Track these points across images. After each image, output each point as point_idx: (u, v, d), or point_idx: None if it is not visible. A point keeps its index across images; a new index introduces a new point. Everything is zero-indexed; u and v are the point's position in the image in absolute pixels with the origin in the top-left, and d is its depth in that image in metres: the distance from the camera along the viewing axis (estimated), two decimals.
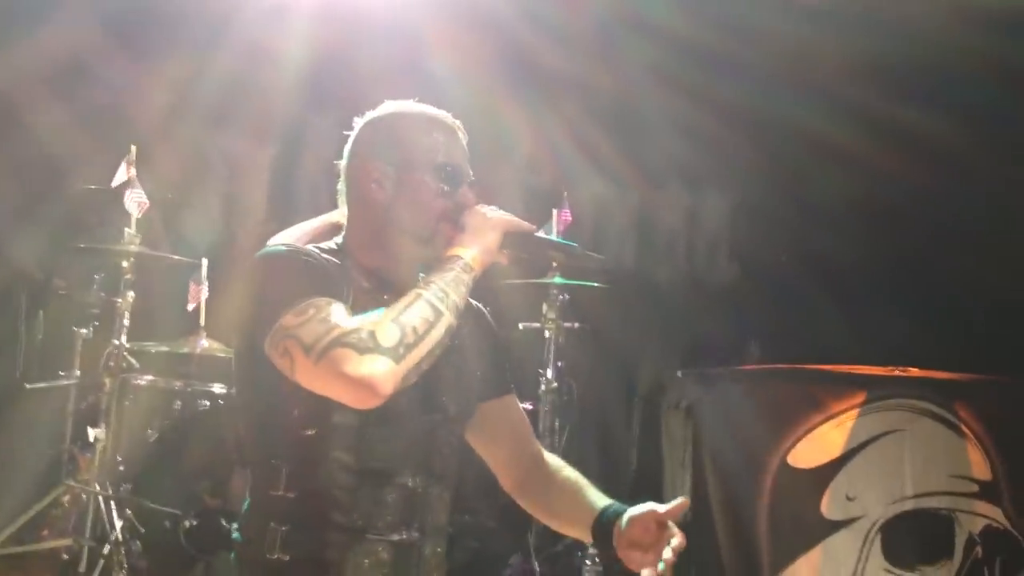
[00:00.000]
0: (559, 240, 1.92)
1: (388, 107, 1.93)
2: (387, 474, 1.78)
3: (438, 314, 1.67)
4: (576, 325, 4.71)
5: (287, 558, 1.74)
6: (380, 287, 1.83)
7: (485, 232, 1.78)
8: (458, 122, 1.92)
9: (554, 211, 4.61)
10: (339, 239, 1.91)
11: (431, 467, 1.83)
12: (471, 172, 1.89)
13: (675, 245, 5.99)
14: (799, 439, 3.71)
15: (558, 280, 4.57)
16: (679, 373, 4.17)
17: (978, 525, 3.70)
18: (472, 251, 1.76)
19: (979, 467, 3.73)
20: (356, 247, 1.87)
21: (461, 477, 1.92)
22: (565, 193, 4.79)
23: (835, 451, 3.68)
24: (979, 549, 3.66)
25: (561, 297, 4.61)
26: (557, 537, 4.23)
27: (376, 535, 1.76)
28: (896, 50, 4.88)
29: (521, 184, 5.84)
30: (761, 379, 4.01)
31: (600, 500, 1.90)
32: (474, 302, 2.01)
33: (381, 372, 1.59)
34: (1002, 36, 4.55)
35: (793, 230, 5.44)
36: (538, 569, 4.02)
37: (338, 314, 1.65)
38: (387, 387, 1.60)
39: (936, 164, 4.95)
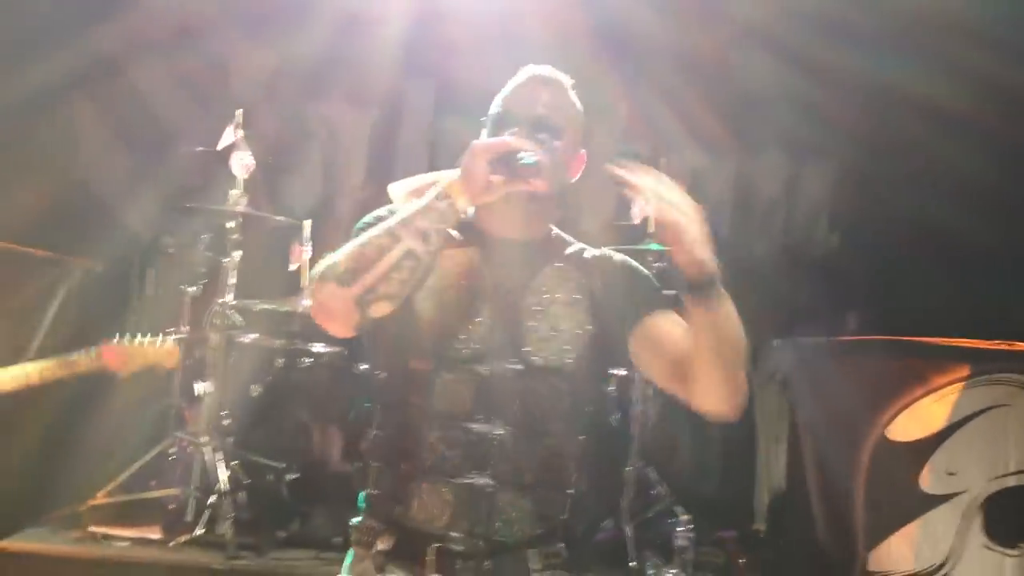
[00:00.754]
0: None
1: None
2: (457, 418, 1.82)
3: (394, 239, 1.72)
4: (672, 292, 4.65)
5: (376, 493, 1.86)
6: (472, 239, 1.89)
7: (471, 160, 1.77)
8: (546, 71, 1.94)
9: None
10: None
11: (508, 416, 1.84)
12: (540, 116, 1.88)
13: (774, 214, 5.87)
14: (899, 412, 3.62)
15: (654, 246, 4.52)
16: (775, 343, 4.10)
17: None
18: (454, 181, 1.77)
19: None
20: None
21: (564, 432, 1.91)
22: (663, 160, 4.73)
23: (936, 425, 3.59)
24: None
25: (657, 264, 4.56)
26: (649, 503, 4.23)
27: (445, 477, 1.81)
28: (1015, 10, 4.65)
29: (617, 152, 5.79)
30: (861, 350, 3.91)
31: None
32: (594, 252, 2.03)
33: (330, 297, 1.70)
34: None
35: (898, 199, 5.26)
36: (630, 534, 4.01)
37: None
38: (336, 312, 1.71)
39: None
